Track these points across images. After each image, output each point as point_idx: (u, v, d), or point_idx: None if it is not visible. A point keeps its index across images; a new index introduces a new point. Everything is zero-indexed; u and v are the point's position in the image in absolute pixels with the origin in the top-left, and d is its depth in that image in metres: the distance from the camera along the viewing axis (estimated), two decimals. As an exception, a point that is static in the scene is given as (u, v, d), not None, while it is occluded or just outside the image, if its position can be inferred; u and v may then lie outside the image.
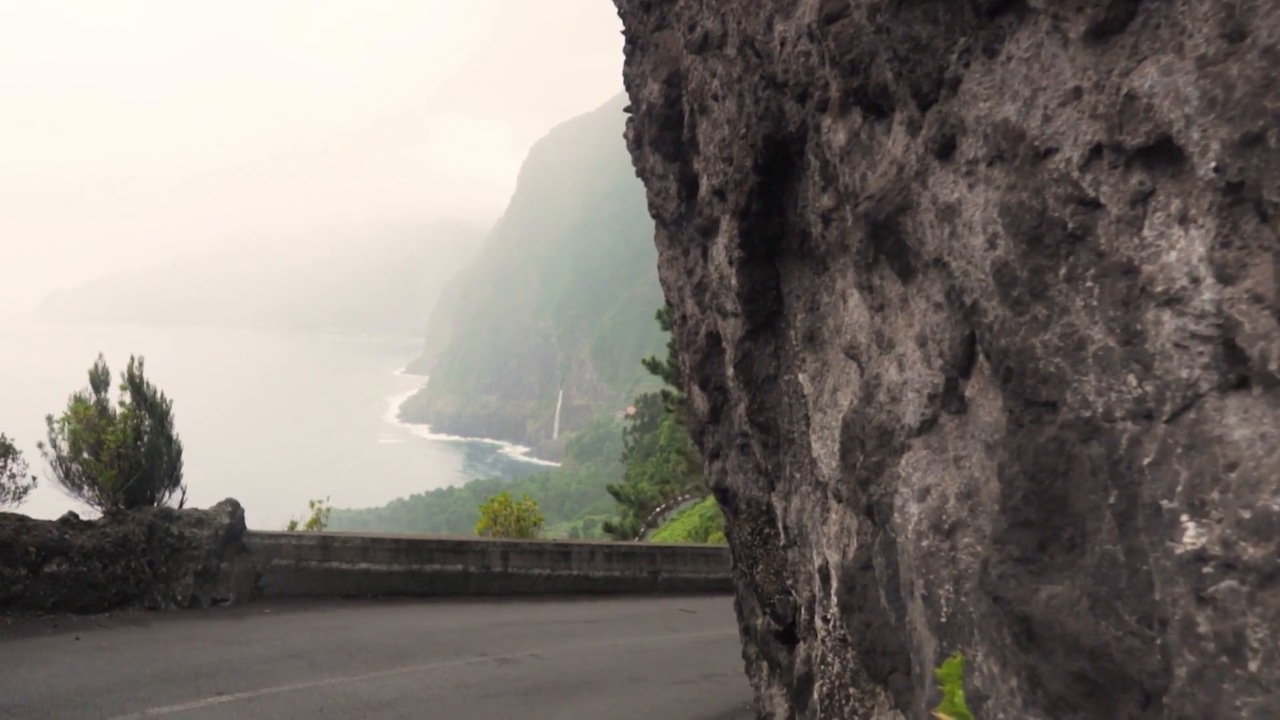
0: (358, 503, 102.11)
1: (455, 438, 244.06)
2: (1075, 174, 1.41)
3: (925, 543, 1.98)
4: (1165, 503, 1.24)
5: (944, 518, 1.94)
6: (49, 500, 10.80)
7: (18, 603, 9.25)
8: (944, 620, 1.91)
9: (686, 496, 42.20)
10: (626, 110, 5.22)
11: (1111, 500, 1.33)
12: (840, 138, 2.29)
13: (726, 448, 4.73)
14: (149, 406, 11.44)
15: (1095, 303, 1.39)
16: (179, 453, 11.59)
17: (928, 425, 2.02)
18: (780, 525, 3.68)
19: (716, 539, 31.86)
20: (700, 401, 4.73)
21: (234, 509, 11.63)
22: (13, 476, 10.20)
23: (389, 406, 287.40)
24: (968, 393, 1.86)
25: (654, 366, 28.48)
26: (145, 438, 11.13)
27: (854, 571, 2.53)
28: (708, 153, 3.40)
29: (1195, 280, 1.24)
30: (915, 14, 1.78)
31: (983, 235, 1.62)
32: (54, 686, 6.96)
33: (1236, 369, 1.18)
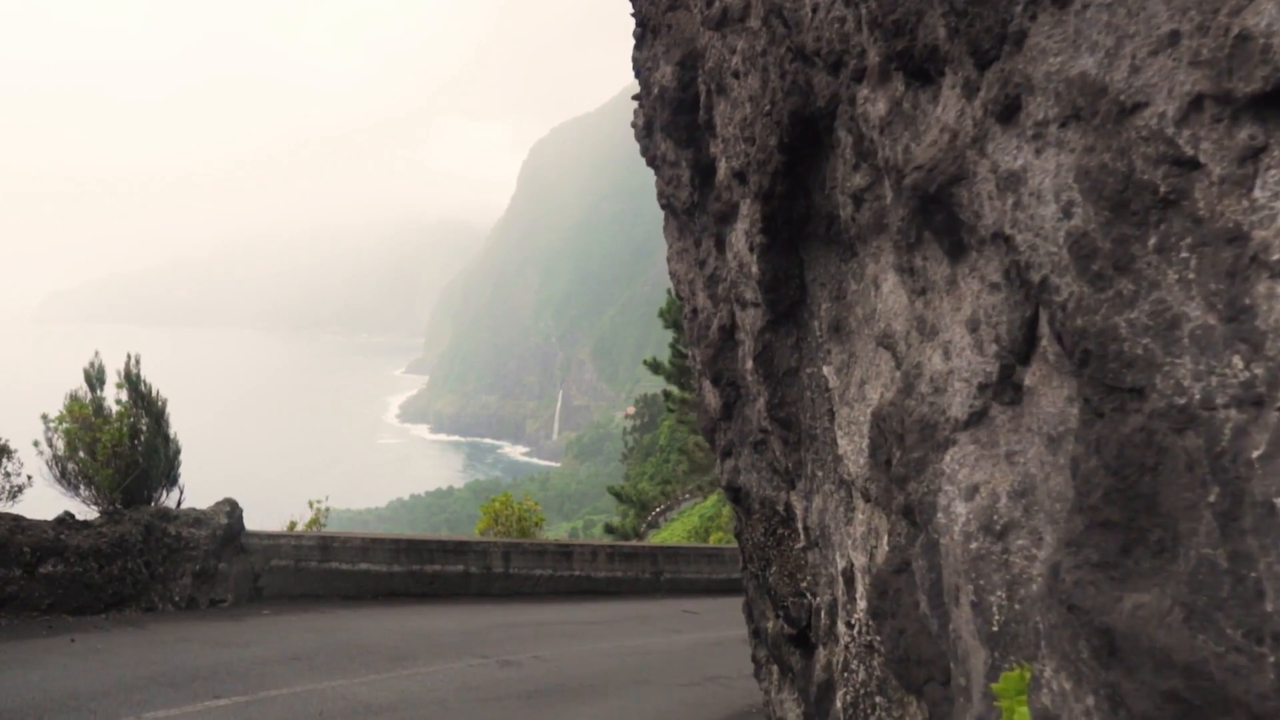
0: (357, 503, 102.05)
1: (455, 438, 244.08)
2: (1169, 130, 1.26)
3: (974, 545, 1.82)
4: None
5: (995, 518, 1.79)
6: (45, 500, 10.66)
7: (12, 604, 9.10)
8: (995, 629, 1.76)
9: (687, 496, 42.10)
10: (635, 98, 5.07)
11: (1211, 498, 1.18)
12: (879, 108, 2.14)
13: (739, 445, 4.57)
14: (146, 405, 11.29)
15: (1192, 275, 1.23)
16: (177, 452, 11.45)
17: (976, 418, 1.87)
18: (800, 526, 3.53)
19: (717, 539, 31.76)
20: (712, 398, 4.58)
21: (232, 509, 11.48)
22: (7, 476, 10.05)
23: (389, 407, 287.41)
24: (1027, 381, 1.71)
25: (655, 367, 28.34)
26: (142, 436, 10.99)
27: (886, 575, 2.38)
28: (726, 134, 3.24)
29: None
30: (974, -36, 1.62)
31: (1055, 204, 1.47)
32: (47, 690, 6.82)
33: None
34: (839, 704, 3.08)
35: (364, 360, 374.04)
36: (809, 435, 3.16)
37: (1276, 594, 1.09)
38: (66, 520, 10.04)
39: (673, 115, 3.83)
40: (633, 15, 4.56)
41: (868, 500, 2.70)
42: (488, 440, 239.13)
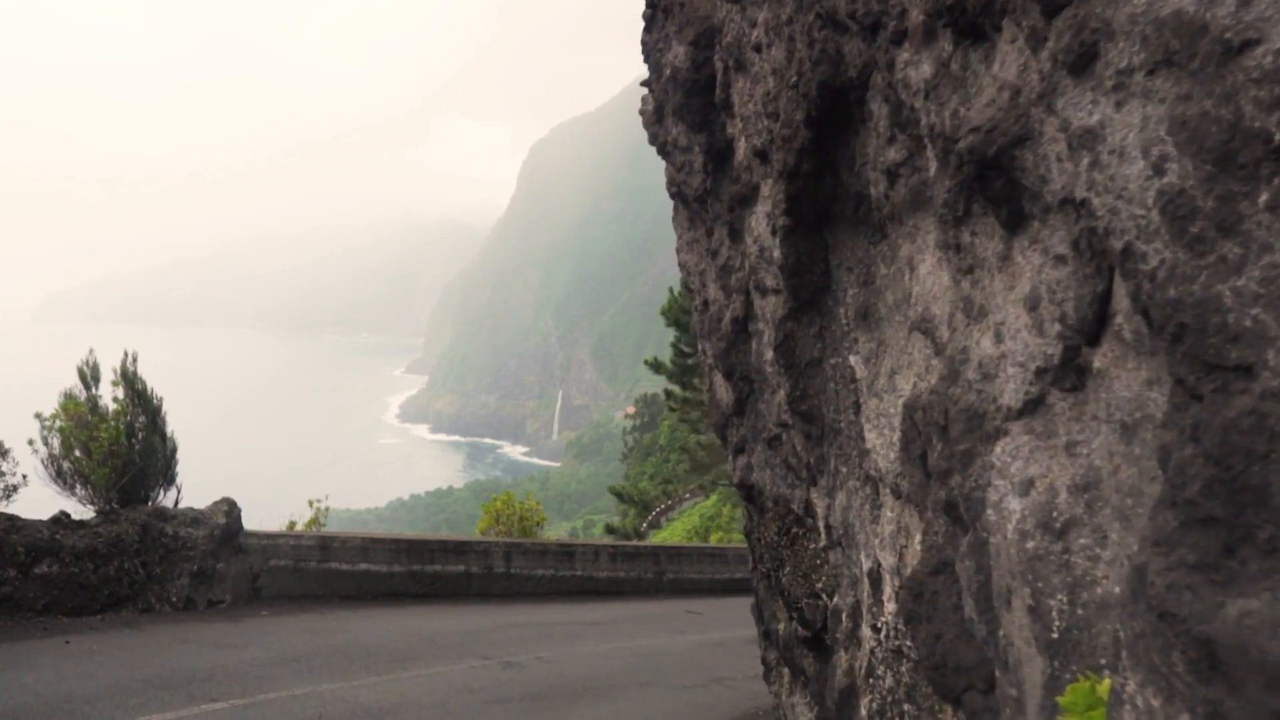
0: (357, 503, 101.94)
1: (455, 438, 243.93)
2: (1286, 70, 1.11)
3: (1030, 544, 1.67)
4: None
5: (1054, 515, 1.64)
6: (41, 499, 10.52)
7: (6, 605, 8.96)
8: (1055, 636, 1.61)
9: (687, 496, 41.95)
10: (644, 84, 4.92)
11: (1336, 490, 1.03)
12: (924, 70, 1.98)
13: (752, 442, 4.42)
14: (143, 403, 11.14)
15: (1312, 236, 1.09)
16: (174, 450, 11.31)
17: (1032, 405, 1.72)
18: (821, 524, 3.37)
19: (717, 539, 31.62)
20: (724, 392, 4.43)
21: (230, 508, 11.33)
22: (1, 475, 9.90)
23: (388, 406, 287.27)
24: (1096, 363, 1.55)
25: (656, 366, 28.16)
26: (139, 435, 10.84)
27: (922, 577, 2.22)
28: (746, 112, 3.09)
29: None
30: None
31: (1142, 161, 1.32)
32: (40, 693, 6.68)
33: None
34: (864, 712, 2.93)
35: (364, 360, 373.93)
36: (832, 429, 3.00)
37: None
38: (62, 520, 9.89)
39: (685, 97, 3.68)
40: (642, -5, 4.41)
41: (898, 497, 2.55)
42: (487, 440, 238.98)
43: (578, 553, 15.92)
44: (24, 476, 10.22)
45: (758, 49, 2.91)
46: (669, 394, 27.58)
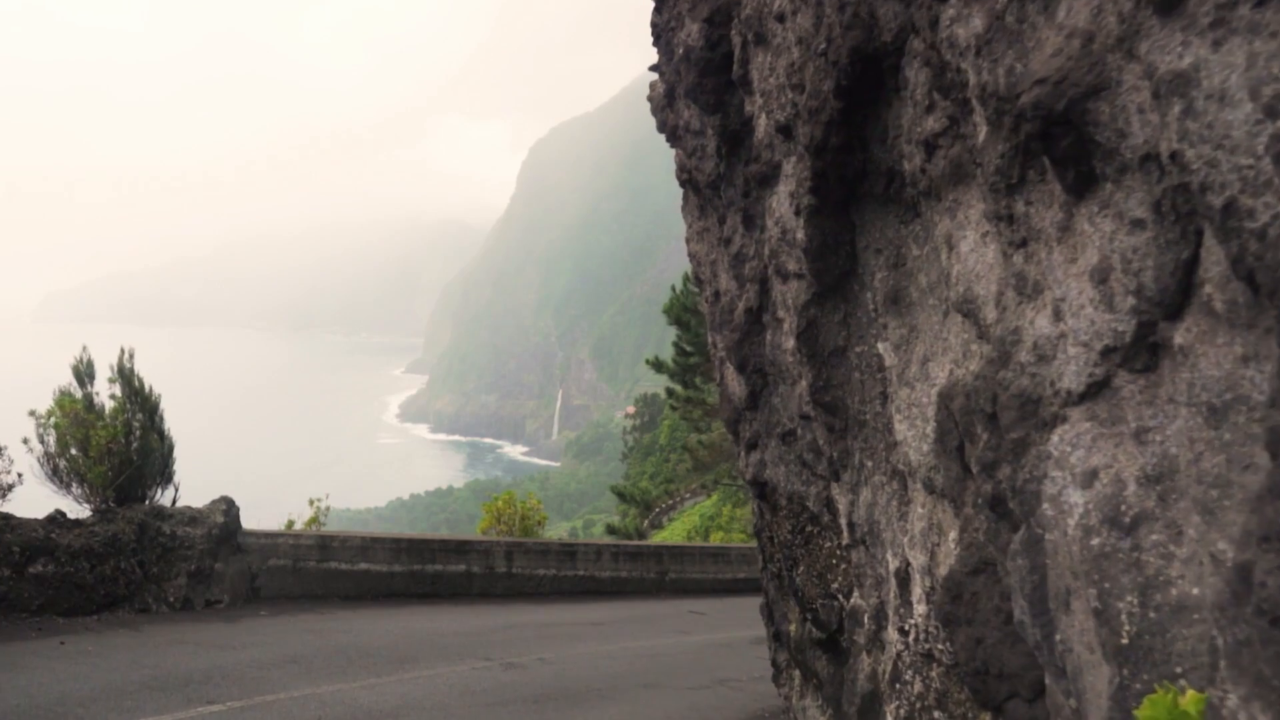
0: (357, 502, 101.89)
1: (455, 437, 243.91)
2: None
3: (1095, 541, 1.53)
4: None
5: (1122, 509, 1.49)
6: (37, 498, 10.38)
7: (0, 605, 8.81)
8: (1125, 642, 1.46)
9: (688, 496, 41.82)
10: (652, 68, 4.77)
11: None
12: (974, 25, 1.83)
13: (766, 437, 4.27)
14: (140, 401, 11.00)
15: None
16: (171, 449, 11.17)
17: (1096, 389, 1.57)
18: (844, 522, 3.22)
19: (718, 539, 31.48)
20: (737, 386, 4.28)
21: (229, 507, 11.19)
22: (-5, 473, 9.76)
23: (388, 406, 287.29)
24: (1177, 339, 1.41)
25: (658, 365, 27.99)
26: (136, 433, 10.70)
27: (961, 577, 2.08)
28: (767, 86, 2.94)
29: None
30: None
31: (1250, 104, 1.17)
32: (33, 695, 6.54)
33: None
34: (890, 719, 2.78)
35: (364, 360, 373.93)
36: (857, 421, 2.86)
37: None
38: (57, 519, 9.76)
39: (699, 77, 3.53)
40: (653, -26, 4.26)
41: (931, 492, 2.40)
42: (487, 440, 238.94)
43: (580, 552, 15.79)
44: (19, 475, 10.08)
45: (780, 18, 2.76)
46: (671, 393, 27.43)
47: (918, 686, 2.69)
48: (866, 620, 3.19)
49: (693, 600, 16.06)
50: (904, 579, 2.68)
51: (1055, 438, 1.67)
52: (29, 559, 9.11)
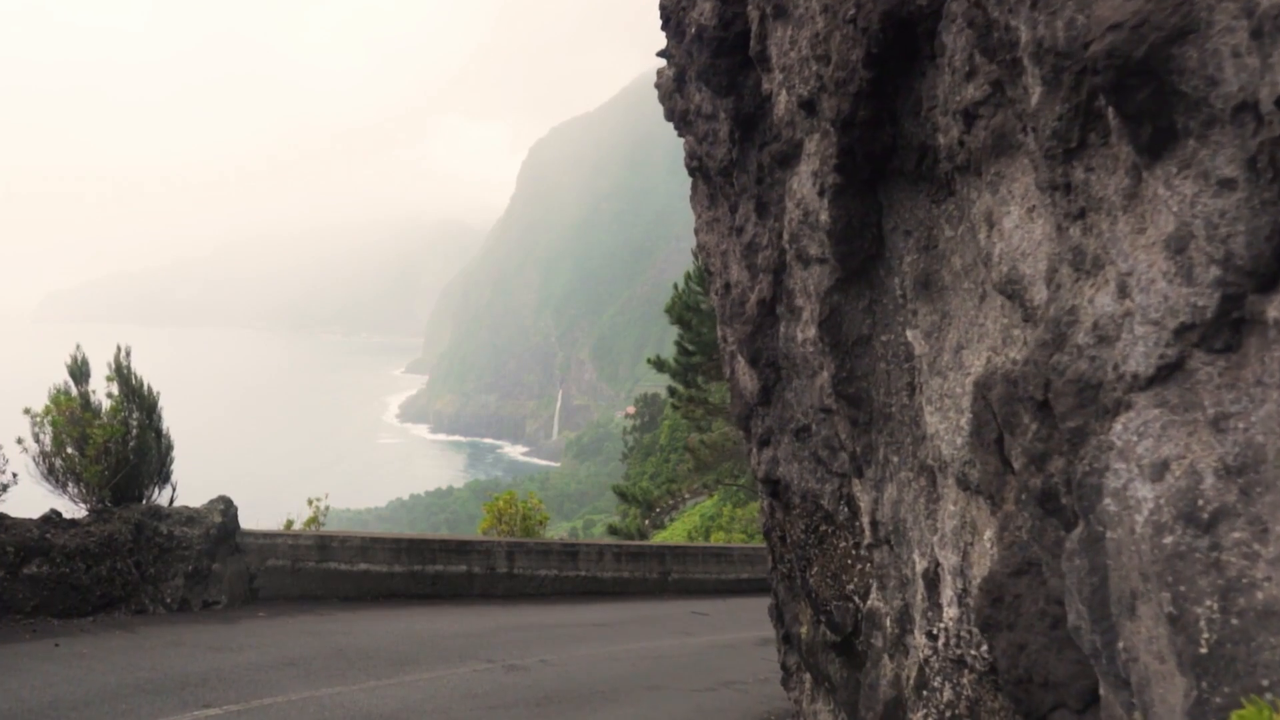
0: (357, 502, 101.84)
1: (455, 438, 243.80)
2: None
3: (1168, 540, 1.39)
4: None
5: (1199, 504, 1.35)
6: (32, 498, 10.25)
7: (-7, 606, 8.68)
8: (1204, 651, 1.32)
9: (690, 495, 41.65)
10: (661, 53, 4.63)
11: None
12: (1029, -25, 1.69)
13: (779, 433, 4.13)
14: (137, 399, 10.86)
15: None
16: (169, 448, 11.03)
17: (1167, 371, 1.43)
18: (866, 520, 3.08)
19: (719, 538, 31.34)
20: (748, 380, 4.14)
21: (227, 507, 11.04)
22: (-8, 473, 9.62)
23: (388, 406, 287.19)
24: (1271, 313, 1.27)
25: (660, 364, 27.84)
26: (133, 431, 10.56)
27: (1003, 578, 1.94)
28: (788, 60, 2.79)
29: None
30: None
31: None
32: (24, 699, 6.42)
33: None
34: (917, 727, 2.64)
35: (364, 360, 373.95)
36: (882, 414, 2.72)
37: None
38: (52, 519, 9.62)
39: (712, 58, 3.39)
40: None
41: (965, 488, 2.26)
42: (487, 440, 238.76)
43: (581, 552, 15.66)
44: (14, 475, 9.95)
45: (803, -13, 2.63)
46: (673, 391, 27.29)
47: (947, 694, 2.55)
48: (889, 624, 3.05)
49: (695, 601, 15.96)
50: (932, 580, 2.54)
51: (1119, 426, 1.53)
52: (23, 559, 8.97)
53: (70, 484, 10.31)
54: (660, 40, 5.23)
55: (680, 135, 4.66)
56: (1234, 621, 1.29)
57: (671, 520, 39.96)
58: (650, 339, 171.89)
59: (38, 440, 10.25)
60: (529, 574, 14.43)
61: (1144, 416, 1.49)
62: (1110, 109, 1.49)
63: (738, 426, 4.63)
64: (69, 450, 10.24)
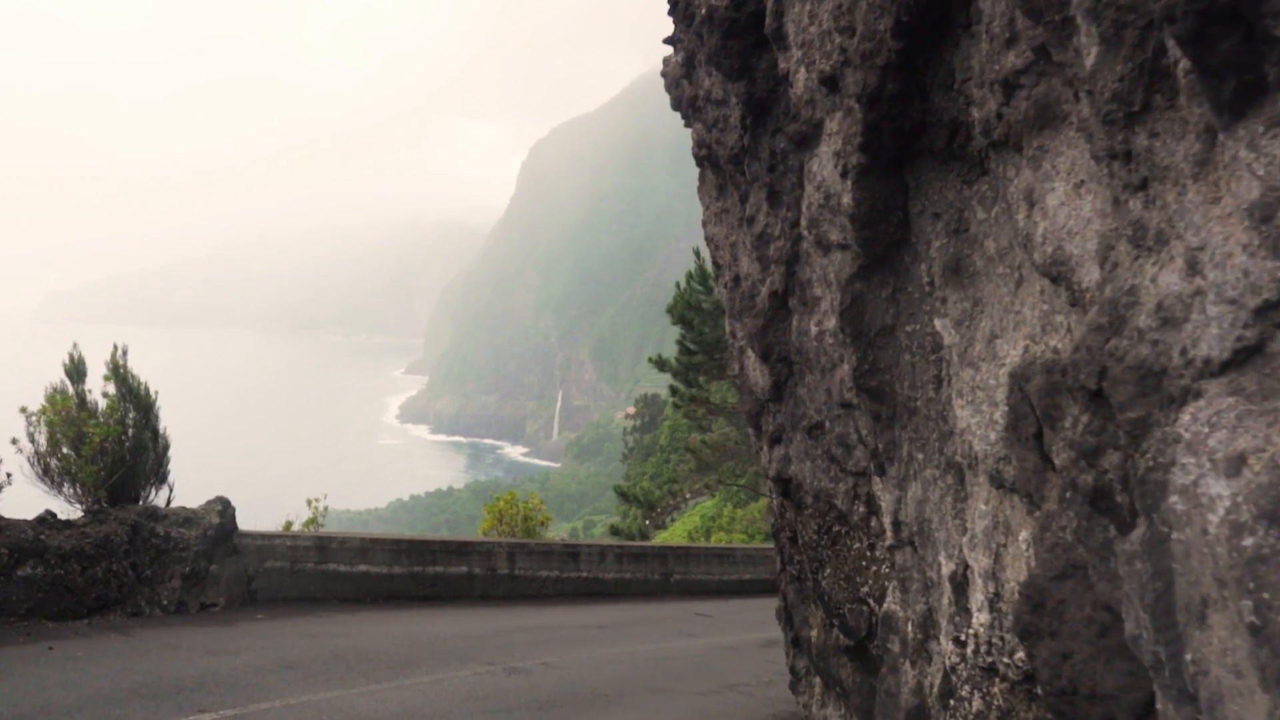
0: (357, 503, 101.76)
1: (455, 438, 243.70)
2: None
3: (1248, 541, 1.26)
4: None
5: (1283, 501, 1.22)
6: (28, 498, 10.12)
7: (-13, 609, 8.55)
8: (1292, 664, 1.19)
9: (691, 496, 41.49)
10: (668, 40, 4.50)
11: None
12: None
13: (791, 431, 3.99)
14: (134, 399, 10.74)
15: None
16: (166, 447, 10.91)
17: (1245, 355, 1.30)
18: (888, 520, 2.94)
19: (719, 539, 31.19)
20: (759, 376, 4.00)
21: (224, 508, 10.91)
22: (-14, 473, 9.50)
23: (388, 407, 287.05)
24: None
25: (661, 364, 27.68)
26: (130, 431, 10.44)
27: (1045, 583, 1.80)
28: (808, 36, 2.65)
29: None
30: None
31: None
32: (16, 703, 6.29)
33: None
34: (943, 738, 2.51)
35: (364, 361, 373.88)
36: (906, 409, 2.58)
37: None
38: (47, 520, 9.50)
39: (723, 40, 3.25)
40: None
41: (998, 486, 2.12)
42: (488, 441, 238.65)
43: (583, 553, 15.53)
44: (9, 475, 9.82)
45: (824, -41, 2.49)
46: (674, 390, 27.14)
47: (976, 704, 2.41)
48: (911, 629, 2.91)
49: (698, 602, 15.84)
50: (960, 584, 2.41)
51: (1186, 417, 1.40)
52: (17, 561, 8.86)
53: (66, 484, 10.19)
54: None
55: (687, 124, 4.52)
56: (1327, 633, 1.16)
57: (672, 520, 39.83)
58: (650, 339, 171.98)
59: (33, 440, 10.13)
60: (530, 575, 14.30)
61: (1216, 406, 1.35)
62: (1181, 66, 1.36)
63: (747, 424, 4.49)
64: (64, 450, 10.12)
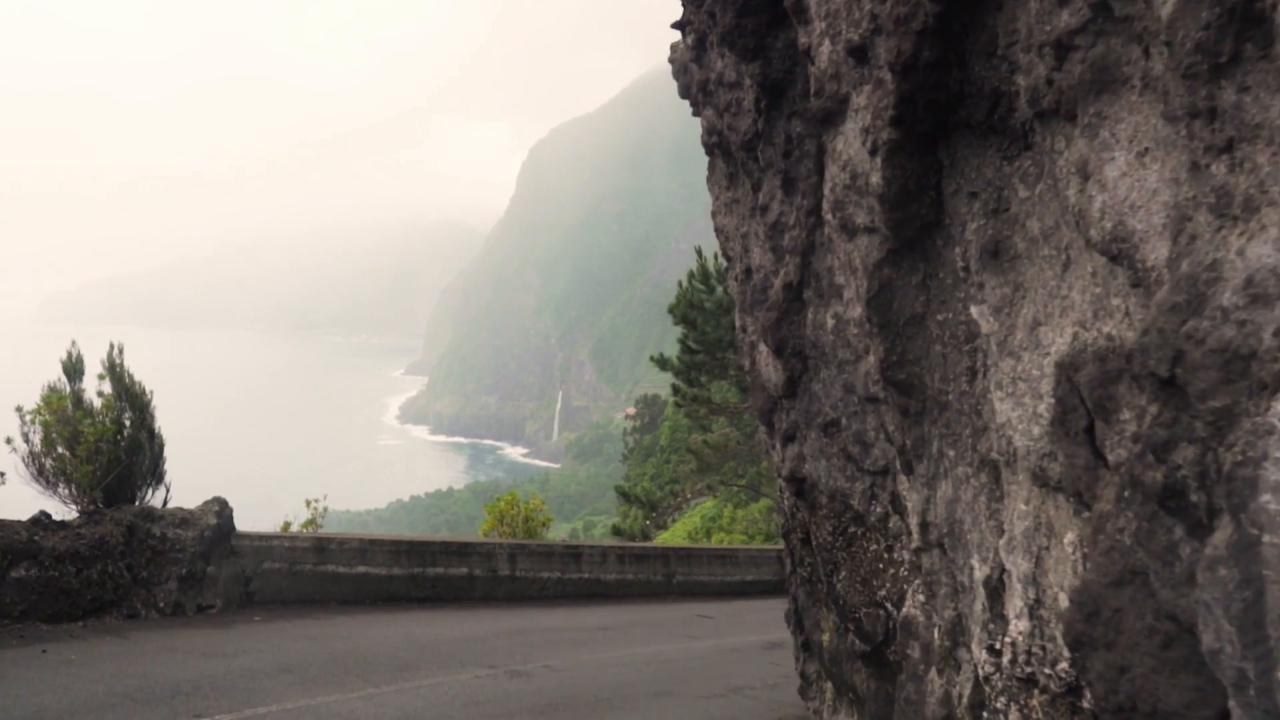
0: (357, 504, 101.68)
1: (455, 439, 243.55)
2: None
3: (1358, 545, 1.11)
4: None
5: (1401, 500, 1.08)
6: (22, 499, 9.98)
7: (-21, 611, 8.41)
8: None
9: (692, 496, 41.35)
10: (676, 25, 4.35)
11: None
12: None
13: (805, 428, 3.85)
14: (130, 398, 10.60)
15: None
16: (162, 447, 10.77)
17: (1351, 336, 1.16)
18: (914, 521, 2.80)
19: (719, 539, 31.04)
20: (772, 371, 3.85)
21: (221, 508, 10.77)
22: (-21, 474, 9.36)
23: (388, 408, 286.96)
24: None
25: (663, 363, 27.52)
26: (126, 431, 10.29)
27: (1100, 589, 1.66)
28: (833, 6, 2.50)
29: None
30: None
31: None
32: (9, 708, 6.17)
33: None
34: (975, 752, 2.37)
35: (364, 361, 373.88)
36: (936, 403, 2.43)
37: None
38: (42, 520, 9.36)
39: (737, 18, 3.10)
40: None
41: (1041, 485, 1.98)
42: (488, 441, 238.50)
43: (584, 554, 15.39)
44: (2, 475, 9.68)
45: (853, -81, 2.35)
46: (676, 390, 26.99)
47: (1013, 716, 2.27)
48: (936, 635, 2.76)
49: (700, 603, 15.71)
50: (995, 589, 2.26)
51: (1279, 405, 1.26)
52: (11, 562, 8.72)
53: (61, 485, 10.05)
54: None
55: (696, 112, 4.38)
56: None
57: (673, 521, 39.70)
58: (650, 340, 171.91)
59: (27, 440, 9.99)
60: (531, 576, 14.16)
61: (1315, 393, 1.21)
62: (1279, 10, 1.22)
63: (759, 421, 4.35)
64: (60, 450, 9.98)
